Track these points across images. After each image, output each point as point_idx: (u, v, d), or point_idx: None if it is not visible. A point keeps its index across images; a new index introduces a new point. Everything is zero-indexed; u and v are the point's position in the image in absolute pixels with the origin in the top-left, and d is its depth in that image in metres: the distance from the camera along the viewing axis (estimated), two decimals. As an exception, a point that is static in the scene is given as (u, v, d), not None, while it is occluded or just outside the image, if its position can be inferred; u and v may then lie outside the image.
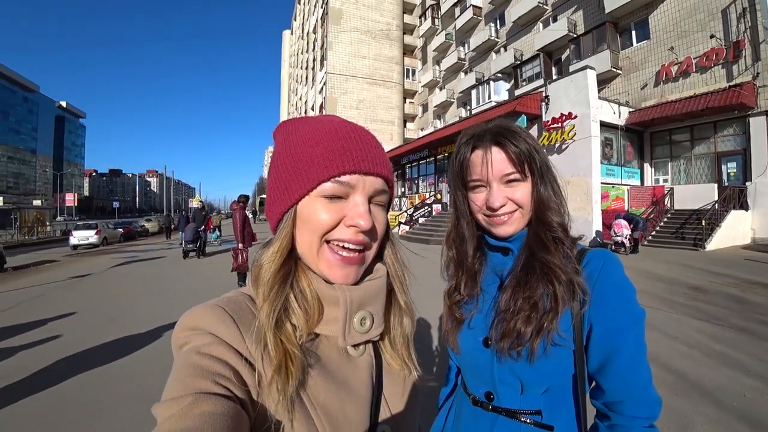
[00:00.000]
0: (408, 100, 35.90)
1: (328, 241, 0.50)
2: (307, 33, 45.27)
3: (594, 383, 0.73)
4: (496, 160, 0.72)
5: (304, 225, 0.49)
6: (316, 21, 39.28)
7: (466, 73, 26.43)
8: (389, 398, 0.56)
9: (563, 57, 18.23)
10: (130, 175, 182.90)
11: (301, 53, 50.55)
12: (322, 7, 36.29)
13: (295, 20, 60.91)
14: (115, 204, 62.92)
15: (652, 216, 12.31)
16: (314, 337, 0.52)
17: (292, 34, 67.96)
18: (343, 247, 0.50)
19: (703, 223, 10.45)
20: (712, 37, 12.19)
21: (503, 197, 0.72)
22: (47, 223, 25.32)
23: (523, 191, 0.72)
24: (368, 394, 0.53)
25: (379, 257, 0.57)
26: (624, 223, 10.30)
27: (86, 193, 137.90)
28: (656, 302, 5.37)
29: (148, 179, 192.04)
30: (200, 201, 13.88)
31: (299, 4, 55.89)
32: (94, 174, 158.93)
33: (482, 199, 0.74)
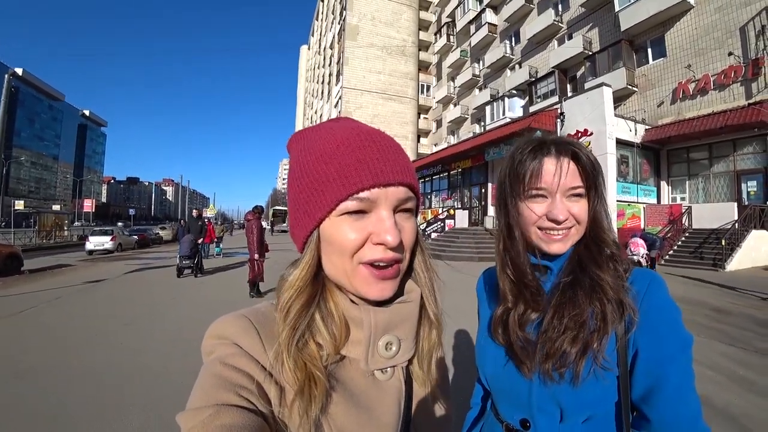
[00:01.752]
0: (422, 116, 36.19)
1: (360, 262, 0.47)
2: (324, 48, 46.28)
3: (636, 412, 0.68)
4: (565, 172, 0.68)
5: (330, 247, 0.47)
6: (333, 37, 40.16)
7: (480, 89, 26.60)
8: (417, 428, 0.53)
9: (578, 74, 18.24)
10: (147, 183, 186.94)
11: (318, 68, 51.60)
12: (339, 24, 37.12)
13: (313, 36, 62.38)
14: (131, 211, 64.11)
15: (669, 235, 12.08)
16: (339, 358, 0.50)
17: (309, 49, 69.57)
18: (375, 265, 0.47)
19: (723, 243, 10.18)
20: (730, 54, 12.09)
21: (566, 210, 0.68)
22: (65, 228, 25.86)
23: (582, 206, 0.69)
24: (394, 422, 0.50)
25: (409, 267, 0.54)
26: (640, 242, 10.07)
27: (104, 199, 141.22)
28: (676, 324, 5.19)
29: (164, 188, 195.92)
30: (196, 209, 12.22)
31: (317, 20, 57.30)
32: (112, 181, 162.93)
33: (541, 211, 0.70)
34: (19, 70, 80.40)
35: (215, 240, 14.90)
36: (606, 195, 0.73)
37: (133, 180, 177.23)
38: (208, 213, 40.19)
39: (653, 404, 0.64)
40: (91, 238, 18.02)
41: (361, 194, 0.45)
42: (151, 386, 3.15)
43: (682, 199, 13.76)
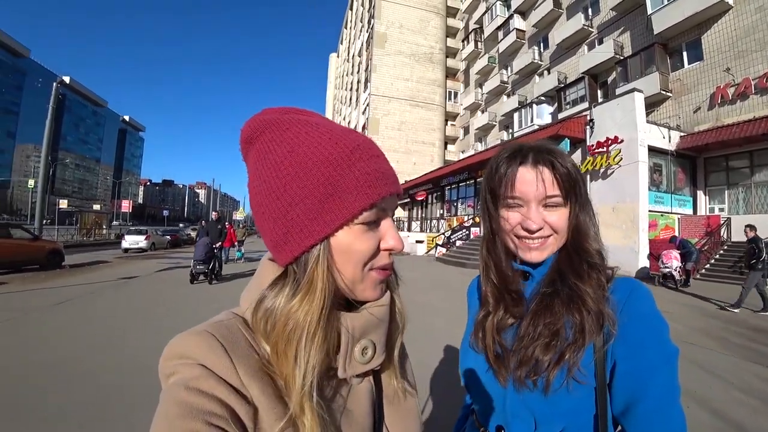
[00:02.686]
0: (449, 122, 36.02)
1: (371, 269, 0.47)
2: (353, 56, 46.85)
3: (619, 427, 0.66)
4: (541, 180, 0.67)
5: (345, 256, 0.45)
6: (362, 44, 40.64)
7: (508, 96, 26.25)
8: (390, 426, 0.54)
9: (609, 80, 17.72)
10: (181, 186, 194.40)
11: (346, 75, 52.25)
12: (367, 32, 37.56)
13: (342, 44, 63.33)
14: (165, 212, 66.86)
15: (706, 248, 11.42)
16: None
17: (338, 57, 70.63)
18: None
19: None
20: (773, 57, 11.43)
21: (541, 220, 0.67)
22: (104, 227, 27.16)
23: (560, 216, 0.68)
24: (369, 424, 0.51)
25: None
26: (674, 253, 9.61)
27: (140, 200, 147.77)
28: (710, 342, 4.93)
29: (197, 190, 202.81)
30: (216, 211, 11.39)
31: (346, 28, 58.17)
32: (148, 183, 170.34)
33: (516, 219, 0.69)
34: (66, 78, 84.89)
35: (236, 243, 14.16)
36: (591, 202, 0.72)
37: (168, 182, 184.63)
38: (238, 216, 41.21)
39: (633, 420, 0.61)
40: (127, 237, 18.91)
41: (383, 203, 0.46)
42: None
43: (721, 210, 13.04)
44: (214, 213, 11.25)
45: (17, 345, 4.12)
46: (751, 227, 7.66)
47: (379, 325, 0.50)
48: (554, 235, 0.69)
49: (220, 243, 9.90)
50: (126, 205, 53.28)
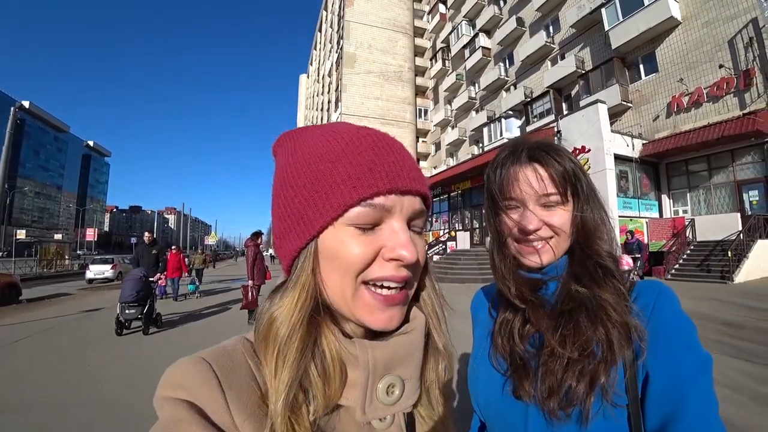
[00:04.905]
0: (421, 139, 36.55)
1: (364, 282, 0.39)
2: (323, 76, 47.33)
3: None
4: (536, 179, 0.62)
5: (330, 263, 0.39)
6: (331, 65, 41.14)
7: (477, 111, 26.93)
8: None
9: (573, 93, 18.49)
10: (149, 212, 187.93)
11: (317, 96, 52.64)
12: (336, 52, 38.11)
13: (311, 65, 63.99)
14: (133, 240, 64.09)
15: (674, 248, 11.96)
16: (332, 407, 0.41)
17: (308, 77, 71.20)
18: (382, 285, 0.39)
19: (730, 255, 10.03)
20: (721, 67, 12.27)
21: (538, 221, 0.62)
22: (66, 257, 25.76)
23: (561, 216, 0.63)
24: None
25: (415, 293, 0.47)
26: (626, 258, 9.94)
27: (106, 228, 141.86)
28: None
29: (167, 216, 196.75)
30: (149, 232, 8.52)
31: (315, 50, 58.90)
32: (114, 210, 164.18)
33: (514, 221, 0.64)
34: (26, 103, 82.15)
35: (188, 274, 11.43)
36: (600, 201, 0.67)
37: (136, 209, 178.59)
38: (210, 240, 39.87)
39: None
40: (92, 267, 17.90)
41: (375, 200, 0.38)
42: (140, 422, 3.01)
43: (684, 211, 13.67)
44: (147, 234, 8.43)
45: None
46: (631, 233, 9.23)
47: (408, 357, 0.42)
48: (555, 237, 0.63)
49: (159, 276, 7.48)
50: (91, 234, 51.14)
